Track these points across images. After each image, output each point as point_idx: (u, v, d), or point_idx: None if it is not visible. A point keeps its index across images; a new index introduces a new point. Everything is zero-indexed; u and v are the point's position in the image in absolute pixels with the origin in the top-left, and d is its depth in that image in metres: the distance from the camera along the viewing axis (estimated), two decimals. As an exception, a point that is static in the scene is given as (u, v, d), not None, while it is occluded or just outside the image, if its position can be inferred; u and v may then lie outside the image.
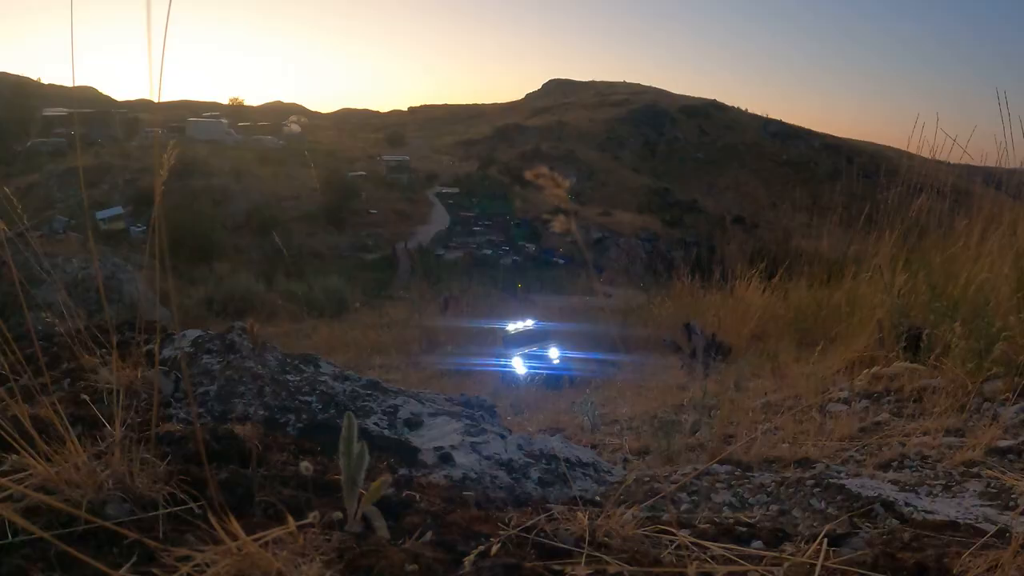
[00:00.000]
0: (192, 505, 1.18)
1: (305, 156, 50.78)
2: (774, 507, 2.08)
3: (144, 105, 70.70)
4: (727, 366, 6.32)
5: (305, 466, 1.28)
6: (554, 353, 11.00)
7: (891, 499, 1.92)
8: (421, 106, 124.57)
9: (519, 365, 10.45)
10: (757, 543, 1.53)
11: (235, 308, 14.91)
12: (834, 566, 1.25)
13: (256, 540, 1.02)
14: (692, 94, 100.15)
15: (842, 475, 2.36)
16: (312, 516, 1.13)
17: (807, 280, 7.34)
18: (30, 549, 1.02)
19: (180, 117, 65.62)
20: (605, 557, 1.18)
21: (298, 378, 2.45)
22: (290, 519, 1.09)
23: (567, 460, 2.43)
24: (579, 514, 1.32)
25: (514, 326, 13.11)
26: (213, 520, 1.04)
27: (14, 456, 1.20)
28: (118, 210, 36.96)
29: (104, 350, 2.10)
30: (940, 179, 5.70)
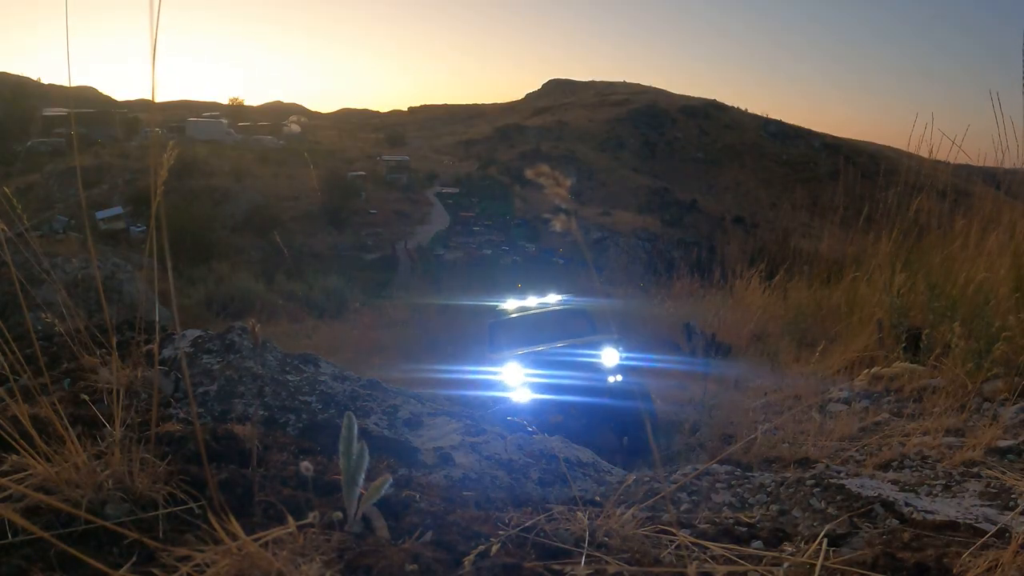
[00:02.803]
0: (192, 505, 1.18)
1: (306, 156, 50.72)
2: (774, 507, 2.08)
3: (144, 105, 70.73)
4: (727, 366, 6.32)
5: (305, 466, 1.28)
6: (611, 357, 5.20)
7: (891, 499, 1.92)
8: (421, 106, 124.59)
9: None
10: (757, 543, 1.53)
11: (235, 308, 14.90)
12: (834, 566, 1.25)
13: (256, 540, 1.02)
14: (692, 94, 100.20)
15: (842, 475, 2.36)
16: (312, 516, 1.13)
17: (807, 280, 7.35)
18: (30, 549, 1.02)
19: (180, 117, 65.57)
20: (605, 557, 1.18)
21: (298, 378, 2.45)
22: (290, 519, 1.09)
23: (567, 460, 2.43)
24: (579, 514, 1.32)
25: (518, 303, 7.04)
26: (213, 520, 1.05)
27: (14, 456, 1.20)
28: (118, 210, 36.94)
29: (104, 350, 2.10)
30: (939, 179, 5.70)
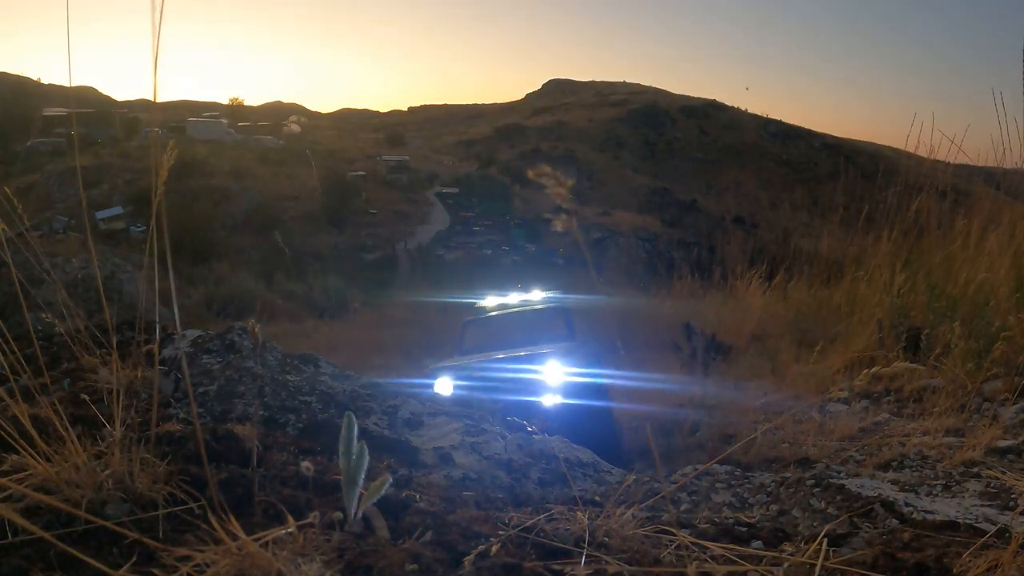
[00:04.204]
0: (192, 505, 1.18)
1: (308, 154, 50.68)
2: (774, 507, 2.08)
3: (144, 105, 70.62)
4: (727, 366, 6.32)
5: (305, 466, 1.28)
6: (555, 374, 4.67)
7: (891, 499, 1.92)
8: (421, 106, 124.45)
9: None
10: (757, 543, 1.53)
11: (235, 308, 14.90)
12: (834, 566, 1.25)
13: (256, 540, 1.02)
14: (692, 94, 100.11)
15: (842, 475, 2.36)
16: (312, 516, 1.13)
17: (807, 280, 7.36)
18: (30, 549, 1.02)
19: (180, 117, 65.50)
20: (605, 557, 1.18)
21: (298, 378, 2.45)
22: (290, 519, 1.09)
23: (567, 460, 2.43)
24: (579, 514, 1.32)
25: (499, 299, 6.56)
26: (213, 520, 1.05)
27: (14, 456, 1.20)
28: (118, 210, 36.94)
29: (104, 350, 2.10)
30: (939, 179, 5.71)
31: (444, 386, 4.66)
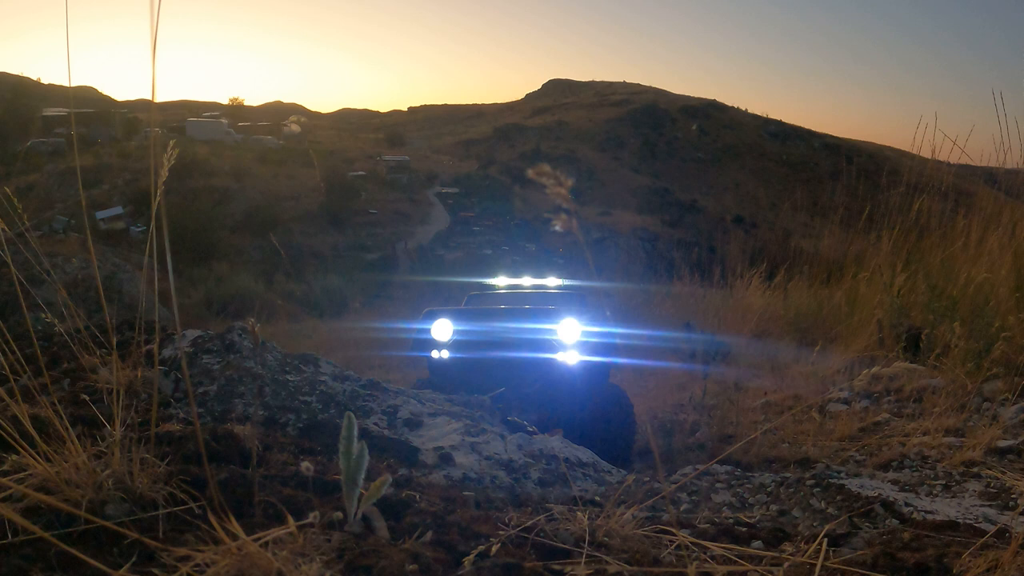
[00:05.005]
0: (192, 505, 1.18)
1: (310, 155, 50.70)
2: (774, 507, 2.08)
3: (144, 105, 70.63)
4: (727, 366, 6.31)
5: (305, 466, 1.28)
6: (570, 331, 4.26)
7: (891, 499, 1.92)
8: (421, 106, 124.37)
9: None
10: (757, 543, 1.53)
11: (235, 308, 14.90)
12: (834, 566, 1.25)
13: (256, 540, 1.02)
14: (692, 94, 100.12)
15: (842, 475, 2.36)
16: (312, 516, 1.13)
17: (807, 280, 7.36)
18: (30, 549, 1.02)
19: (180, 117, 65.56)
20: (605, 557, 1.18)
21: (298, 378, 2.45)
22: (290, 519, 1.09)
23: (567, 460, 2.43)
24: (579, 514, 1.32)
25: (510, 280, 6.30)
26: (213, 520, 1.05)
27: (14, 456, 1.20)
28: (118, 210, 36.93)
29: (104, 350, 2.10)
30: (940, 179, 5.71)
31: (442, 329, 4.30)
